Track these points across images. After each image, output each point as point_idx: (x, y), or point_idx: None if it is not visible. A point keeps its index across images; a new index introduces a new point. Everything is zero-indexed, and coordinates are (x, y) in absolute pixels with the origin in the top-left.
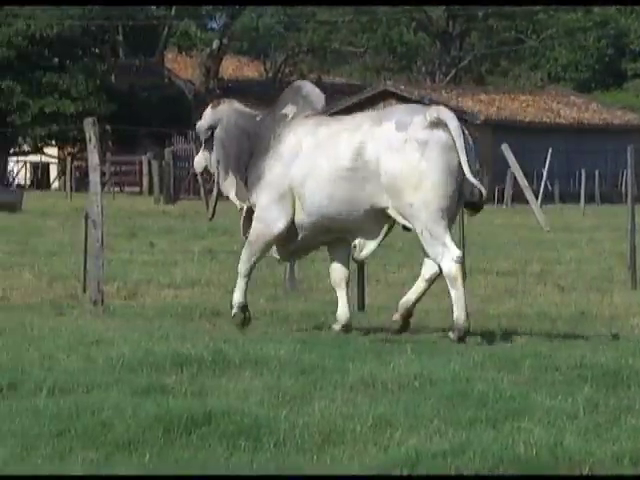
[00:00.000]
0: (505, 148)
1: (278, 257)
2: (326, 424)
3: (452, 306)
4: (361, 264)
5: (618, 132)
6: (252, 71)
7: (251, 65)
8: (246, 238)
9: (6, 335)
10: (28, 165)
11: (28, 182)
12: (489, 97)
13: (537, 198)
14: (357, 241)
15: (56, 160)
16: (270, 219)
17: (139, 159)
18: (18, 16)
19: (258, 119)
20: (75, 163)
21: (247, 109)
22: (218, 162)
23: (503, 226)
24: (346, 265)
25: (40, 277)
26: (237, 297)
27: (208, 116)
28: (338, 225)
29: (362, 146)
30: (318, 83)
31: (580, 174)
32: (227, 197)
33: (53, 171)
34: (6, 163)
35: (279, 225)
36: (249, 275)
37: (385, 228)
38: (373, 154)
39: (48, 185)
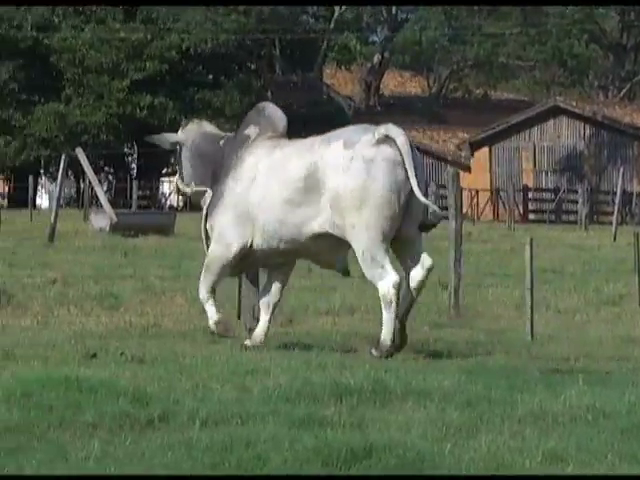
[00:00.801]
0: None
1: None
2: (493, 458)
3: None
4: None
5: None
6: (414, 87)
7: (413, 80)
8: None
9: (158, 364)
10: None
11: (180, 204)
12: None
13: None
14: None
15: None
16: (227, 241)
17: None
18: (171, 30)
19: (221, 142)
20: None
21: (214, 131)
22: (183, 179)
23: None
24: (281, 291)
25: (193, 303)
26: (211, 318)
27: (176, 135)
28: (292, 249)
29: (312, 167)
30: (484, 99)
31: None
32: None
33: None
34: (158, 185)
35: (235, 247)
36: (213, 296)
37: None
38: (321, 175)
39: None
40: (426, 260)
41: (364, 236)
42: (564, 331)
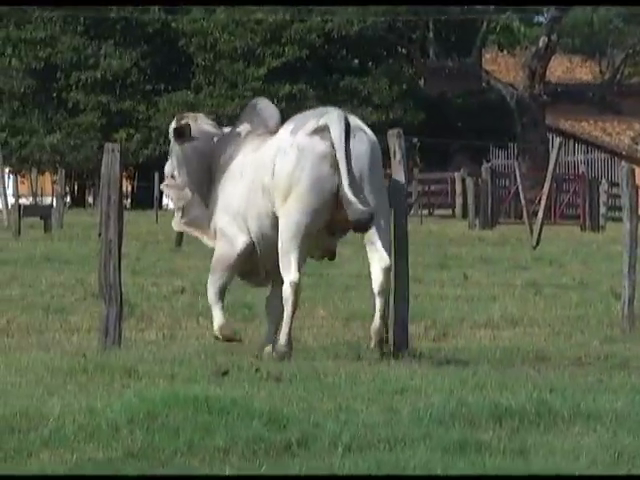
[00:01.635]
0: None
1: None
2: None
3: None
4: None
5: None
6: (585, 73)
7: (584, 66)
8: None
9: (296, 382)
10: None
11: None
12: None
13: None
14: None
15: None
16: (230, 236)
17: (451, 177)
18: (312, 11)
19: (215, 139)
20: None
21: (208, 128)
22: (174, 176)
23: None
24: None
25: (335, 315)
26: (217, 322)
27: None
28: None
29: (273, 155)
30: None
31: None
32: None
33: None
34: None
35: (240, 242)
36: (222, 299)
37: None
38: (274, 161)
39: None
40: (382, 260)
41: (283, 227)
42: None
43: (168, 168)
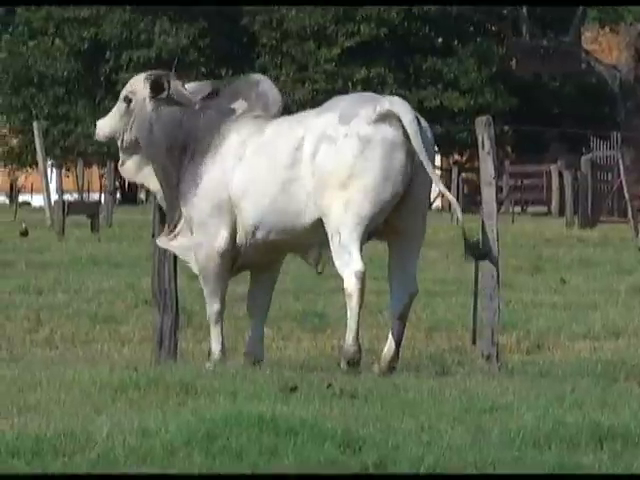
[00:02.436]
0: None
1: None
2: None
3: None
4: None
5: None
6: None
7: None
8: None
9: (373, 400)
10: None
11: None
12: None
13: None
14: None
15: (438, 171)
16: (213, 231)
17: (547, 169)
18: None
19: (197, 107)
20: (463, 175)
21: (186, 92)
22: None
23: None
24: (269, 293)
25: (417, 324)
26: (216, 343)
27: (137, 85)
28: (282, 242)
29: (301, 141)
30: None
31: None
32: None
33: (434, 186)
34: None
35: (224, 238)
36: (222, 314)
37: None
38: (310, 149)
39: (428, 204)
40: (412, 285)
41: (340, 218)
42: None
43: (108, 129)
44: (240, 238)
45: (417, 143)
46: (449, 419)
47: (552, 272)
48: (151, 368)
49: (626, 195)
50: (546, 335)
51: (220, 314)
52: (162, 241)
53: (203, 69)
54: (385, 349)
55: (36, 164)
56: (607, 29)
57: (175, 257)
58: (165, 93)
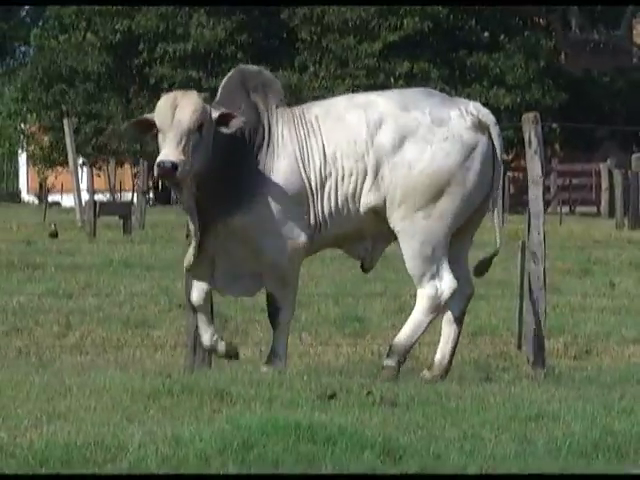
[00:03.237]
0: None
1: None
2: None
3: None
4: None
5: None
6: None
7: None
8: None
9: (414, 407)
10: None
11: None
12: None
13: None
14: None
15: None
16: (292, 234)
17: (596, 168)
18: None
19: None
20: (509, 174)
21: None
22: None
23: None
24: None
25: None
26: (282, 351)
27: (197, 110)
28: (344, 235)
29: (377, 127)
30: None
31: None
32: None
33: None
34: None
35: (304, 238)
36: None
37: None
38: (390, 141)
39: None
40: (469, 285)
41: (431, 226)
42: None
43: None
44: (312, 230)
45: (500, 157)
46: (493, 427)
47: (601, 275)
48: (185, 374)
49: None
50: (594, 340)
51: (288, 321)
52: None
53: (240, 64)
54: (438, 355)
55: (66, 163)
56: None
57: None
58: (227, 130)
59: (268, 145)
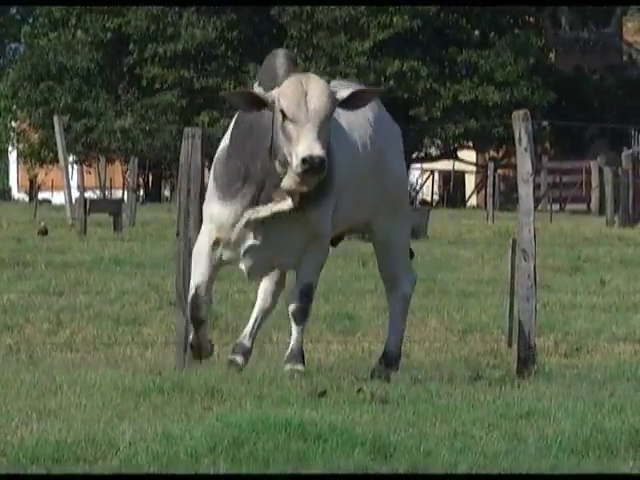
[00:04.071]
0: None
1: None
2: None
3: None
4: None
5: None
6: None
7: None
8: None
9: (405, 405)
10: (436, 175)
11: (436, 197)
12: None
13: None
14: None
15: (473, 168)
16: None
17: (586, 166)
18: None
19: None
20: (499, 172)
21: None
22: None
23: None
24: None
25: (450, 326)
26: (301, 339)
27: (331, 96)
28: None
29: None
30: None
31: None
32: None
33: (470, 182)
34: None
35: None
36: None
37: None
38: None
39: (463, 201)
40: None
41: (405, 226)
42: None
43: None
44: None
45: None
46: (483, 425)
47: (591, 272)
48: (175, 372)
49: None
50: (585, 338)
51: None
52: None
53: (231, 62)
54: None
55: (57, 160)
56: None
57: None
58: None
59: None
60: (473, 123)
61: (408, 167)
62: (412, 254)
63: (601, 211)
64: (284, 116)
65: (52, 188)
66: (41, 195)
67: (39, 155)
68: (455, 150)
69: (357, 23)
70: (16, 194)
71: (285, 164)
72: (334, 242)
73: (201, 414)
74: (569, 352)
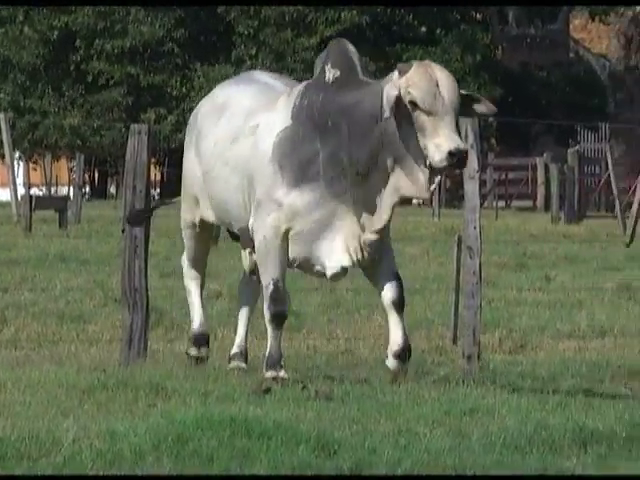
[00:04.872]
0: None
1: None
2: None
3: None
4: None
5: None
6: None
7: None
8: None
9: (349, 402)
10: None
11: None
12: None
13: None
14: None
15: None
16: None
17: (532, 162)
18: None
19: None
20: None
21: None
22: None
23: None
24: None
25: None
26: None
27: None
28: None
29: None
30: None
31: None
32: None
33: None
34: None
35: None
36: None
37: None
38: None
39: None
40: None
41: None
42: None
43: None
44: None
45: None
46: (428, 422)
47: (537, 269)
48: (120, 369)
49: (614, 189)
50: (529, 334)
51: None
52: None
53: (178, 60)
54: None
55: (2, 157)
56: (597, 17)
57: (146, 254)
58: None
59: None
60: None
61: None
62: None
63: (547, 208)
64: (415, 107)
65: None
66: None
67: None
68: None
69: (304, 19)
70: None
71: (403, 157)
72: None
73: (145, 411)
74: (513, 349)
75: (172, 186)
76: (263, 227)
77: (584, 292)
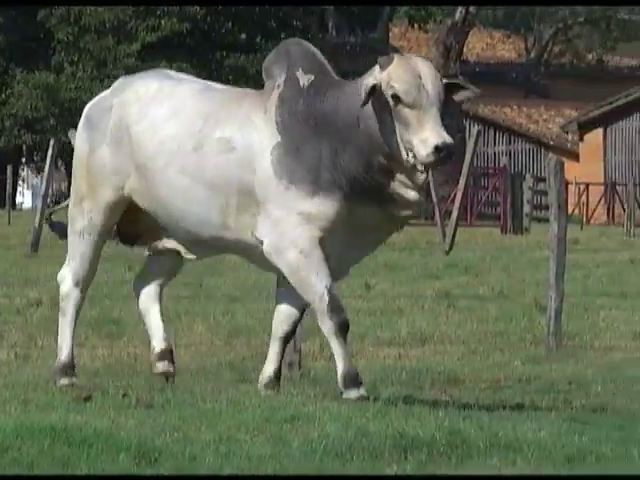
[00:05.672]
0: None
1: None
2: None
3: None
4: None
5: None
6: (508, 50)
7: (507, 42)
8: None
9: (170, 409)
10: None
11: None
12: None
13: None
14: None
15: None
16: None
17: None
18: None
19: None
20: None
21: None
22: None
23: None
24: None
25: (216, 330)
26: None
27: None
28: None
29: None
30: (598, 66)
31: None
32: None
33: None
34: None
35: None
36: None
37: None
38: None
39: None
40: None
41: None
42: None
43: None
44: None
45: None
46: (249, 429)
47: (357, 277)
48: None
49: (434, 197)
50: (350, 342)
51: None
52: None
53: None
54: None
55: None
56: (416, 26)
57: None
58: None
59: None
60: None
61: None
62: None
63: None
64: (398, 101)
65: None
66: None
67: None
68: None
69: (125, 26)
70: None
71: (391, 154)
72: None
73: None
74: (334, 356)
75: None
76: (295, 243)
77: (404, 299)
